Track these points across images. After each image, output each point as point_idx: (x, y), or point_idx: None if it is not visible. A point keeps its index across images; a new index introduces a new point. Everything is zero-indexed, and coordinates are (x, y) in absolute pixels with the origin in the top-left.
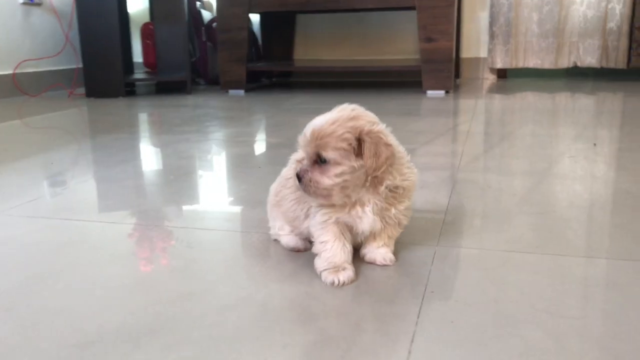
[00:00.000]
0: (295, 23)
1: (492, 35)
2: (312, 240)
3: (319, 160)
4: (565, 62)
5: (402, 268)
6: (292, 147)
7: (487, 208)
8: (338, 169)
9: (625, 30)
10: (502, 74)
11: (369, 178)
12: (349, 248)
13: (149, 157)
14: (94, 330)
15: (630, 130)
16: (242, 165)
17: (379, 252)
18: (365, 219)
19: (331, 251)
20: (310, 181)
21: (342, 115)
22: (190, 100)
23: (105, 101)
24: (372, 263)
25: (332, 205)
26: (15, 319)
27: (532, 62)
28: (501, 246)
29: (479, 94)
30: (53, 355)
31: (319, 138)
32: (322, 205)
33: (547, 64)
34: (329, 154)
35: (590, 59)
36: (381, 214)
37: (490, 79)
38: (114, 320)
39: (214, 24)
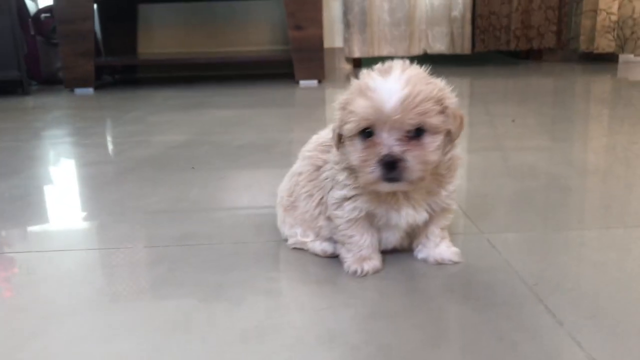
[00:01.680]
0: (137, 14)
1: (347, 24)
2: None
3: (411, 134)
4: (416, 50)
5: (473, 262)
6: (204, 143)
7: (489, 189)
8: (437, 140)
9: (468, 17)
10: (357, 63)
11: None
12: (376, 238)
13: (49, 167)
14: None
15: (521, 108)
16: (168, 168)
17: (443, 249)
18: (404, 210)
19: (358, 244)
20: (413, 161)
21: (415, 75)
22: (31, 101)
23: None
24: (440, 263)
25: (368, 194)
26: None
27: (387, 51)
28: (547, 226)
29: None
30: None
31: (415, 105)
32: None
33: (400, 51)
34: (433, 121)
35: (439, 46)
36: (428, 199)
37: (346, 68)
38: None
39: (43, 15)
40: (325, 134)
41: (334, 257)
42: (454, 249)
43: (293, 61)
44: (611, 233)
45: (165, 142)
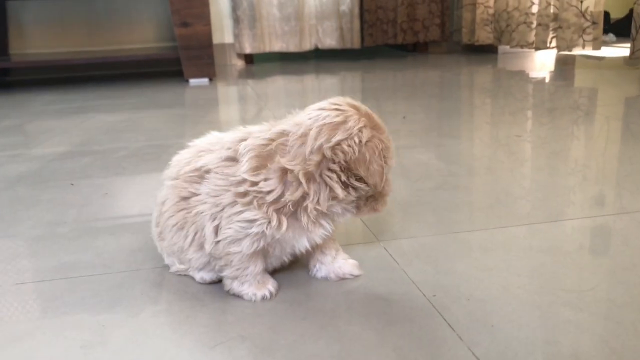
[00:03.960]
0: (6, 11)
1: (236, 20)
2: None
3: None
4: (307, 45)
5: (371, 274)
6: (86, 154)
7: None
8: None
9: (357, 12)
10: (249, 59)
11: None
12: (264, 262)
13: None
14: None
15: (411, 102)
16: (46, 185)
17: (341, 262)
18: (317, 230)
19: (253, 274)
20: None
21: None
22: None
23: None
24: (342, 278)
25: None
26: None
27: (278, 46)
28: (442, 229)
29: (243, 80)
30: None
31: None
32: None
33: (292, 47)
34: None
35: (329, 41)
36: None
37: (238, 64)
38: None
39: None
40: (189, 158)
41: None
42: (352, 261)
43: (181, 59)
44: (503, 232)
45: (43, 155)
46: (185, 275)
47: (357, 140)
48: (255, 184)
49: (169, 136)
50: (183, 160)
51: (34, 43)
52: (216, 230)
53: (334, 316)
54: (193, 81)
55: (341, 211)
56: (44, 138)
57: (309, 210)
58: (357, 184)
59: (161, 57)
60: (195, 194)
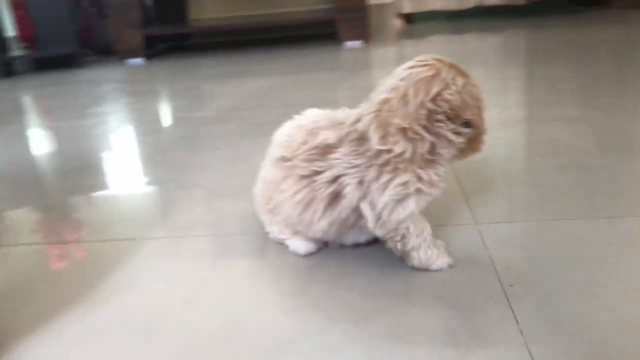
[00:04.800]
0: None
1: None
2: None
3: None
4: (469, 2)
5: (457, 257)
6: (233, 119)
7: (502, 170)
8: None
9: None
10: (408, 19)
11: None
12: None
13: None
14: None
15: (571, 67)
16: (195, 148)
17: None
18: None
19: (430, 239)
20: None
21: None
22: (85, 75)
23: None
24: None
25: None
26: None
27: (439, 4)
28: (547, 215)
29: (400, 41)
30: None
31: None
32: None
33: (452, 4)
34: None
35: None
36: None
37: (397, 24)
38: None
39: None
40: (303, 137)
41: (311, 255)
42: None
43: (336, 21)
44: (615, 223)
45: (199, 119)
46: (282, 243)
47: (455, 88)
48: (389, 151)
49: (310, 104)
50: (294, 140)
51: (210, 9)
52: (372, 206)
53: (402, 295)
54: (348, 44)
55: (450, 157)
56: (204, 102)
57: (443, 157)
58: (462, 129)
59: (318, 20)
60: (318, 172)
